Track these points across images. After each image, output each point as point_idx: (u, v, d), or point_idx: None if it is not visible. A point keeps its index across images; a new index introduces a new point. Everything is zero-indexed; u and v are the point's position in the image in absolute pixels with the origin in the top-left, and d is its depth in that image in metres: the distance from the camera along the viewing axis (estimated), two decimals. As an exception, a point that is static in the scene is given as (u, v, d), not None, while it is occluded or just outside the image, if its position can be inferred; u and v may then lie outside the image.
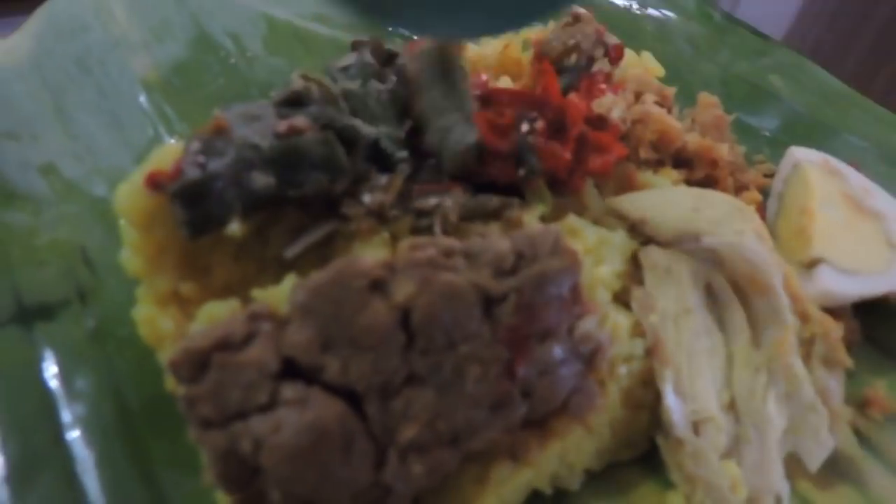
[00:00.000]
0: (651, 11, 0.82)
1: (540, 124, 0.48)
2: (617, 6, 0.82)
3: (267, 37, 0.71)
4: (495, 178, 0.47)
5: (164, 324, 0.40)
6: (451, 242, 0.38)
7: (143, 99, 0.64)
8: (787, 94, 0.70)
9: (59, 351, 0.47)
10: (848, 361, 0.44)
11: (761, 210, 0.56)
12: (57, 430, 0.43)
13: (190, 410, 0.34)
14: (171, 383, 0.39)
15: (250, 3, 0.74)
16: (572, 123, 0.47)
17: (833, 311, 0.50)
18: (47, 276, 0.51)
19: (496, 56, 0.62)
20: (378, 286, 0.35)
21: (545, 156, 0.47)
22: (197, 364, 0.33)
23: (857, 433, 0.48)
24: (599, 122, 0.50)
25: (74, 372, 0.46)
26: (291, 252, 0.42)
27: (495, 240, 0.39)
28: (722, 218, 0.48)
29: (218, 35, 0.70)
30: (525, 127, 0.48)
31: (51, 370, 0.46)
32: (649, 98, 0.55)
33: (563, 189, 0.50)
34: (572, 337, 0.39)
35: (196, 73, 0.67)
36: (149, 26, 0.69)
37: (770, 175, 0.62)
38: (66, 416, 0.44)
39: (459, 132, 0.47)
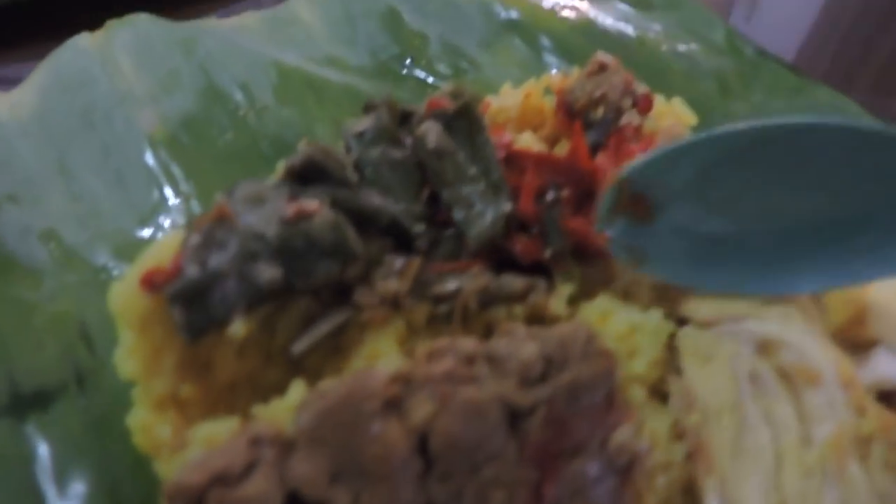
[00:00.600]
0: (679, 47, 0.78)
1: (566, 193, 0.45)
2: (645, 44, 0.78)
3: (277, 86, 0.68)
4: (520, 255, 0.44)
5: (161, 431, 0.37)
6: (472, 347, 0.35)
7: (148, 156, 0.62)
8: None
9: (54, 445, 0.45)
10: (912, 465, 0.40)
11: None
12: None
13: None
14: None
15: (260, 49, 0.72)
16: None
17: (884, 398, 0.46)
18: (45, 360, 0.48)
19: (518, 108, 0.58)
20: (392, 406, 0.32)
21: (573, 230, 0.43)
22: (192, 502, 0.30)
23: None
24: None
25: (69, 469, 0.43)
26: (299, 348, 0.39)
27: (521, 343, 0.35)
28: (767, 298, 0.44)
29: (227, 85, 0.67)
30: (551, 196, 0.44)
31: (44, 467, 0.43)
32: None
33: (590, 258, 0.47)
34: (606, 449, 0.35)
35: (204, 127, 0.64)
36: (156, 78, 0.66)
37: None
38: (60, 517, 0.42)
39: (487, 203, 0.44)
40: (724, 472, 0.39)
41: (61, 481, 0.42)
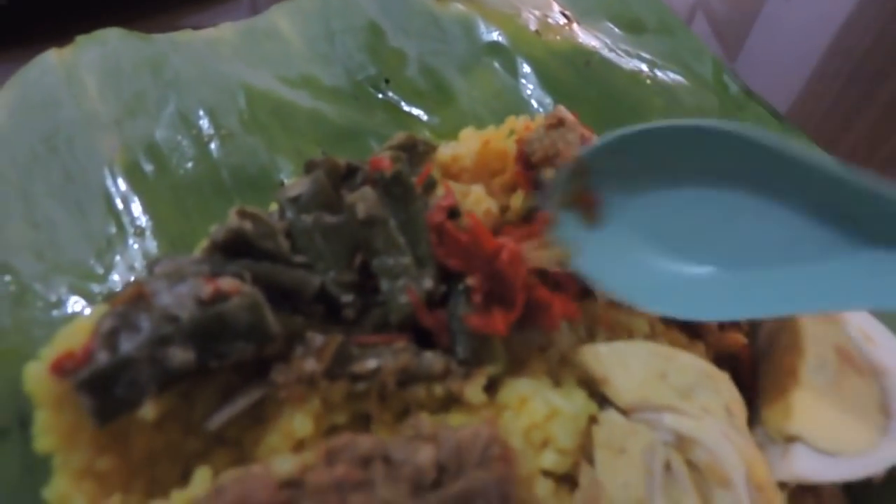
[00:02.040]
0: (663, 79, 0.76)
1: (474, 282, 0.44)
2: (627, 75, 0.76)
3: (244, 112, 0.68)
4: (434, 332, 0.44)
5: (78, 502, 0.38)
6: (369, 448, 0.36)
7: (109, 184, 0.62)
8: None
9: (-4, 490, 0.46)
10: (814, 573, 0.40)
11: (746, 351, 0.52)
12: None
13: None
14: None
15: (231, 70, 0.71)
16: (515, 290, 0.43)
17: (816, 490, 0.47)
18: (-10, 399, 0.50)
19: (472, 157, 0.58)
20: (279, 514, 0.33)
21: (479, 328, 0.43)
22: None
23: None
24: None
25: (5, 513, 0.45)
26: (214, 424, 0.40)
27: (418, 447, 0.36)
28: (690, 388, 0.44)
29: (193, 110, 0.67)
30: (458, 300, 0.44)
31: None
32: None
33: (526, 325, 0.46)
34: (498, 553, 0.36)
35: (167, 155, 0.64)
36: (121, 100, 0.66)
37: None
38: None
39: (410, 278, 0.44)
40: (625, 570, 0.39)
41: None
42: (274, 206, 0.49)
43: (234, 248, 0.43)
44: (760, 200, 0.45)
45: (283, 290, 0.43)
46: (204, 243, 0.44)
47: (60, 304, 0.56)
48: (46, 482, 0.46)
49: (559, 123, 0.57)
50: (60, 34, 0.72)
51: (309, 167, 0.49)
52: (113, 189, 0.62)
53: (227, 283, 0.40)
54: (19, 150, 0.63)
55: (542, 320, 0.44)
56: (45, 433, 0.38)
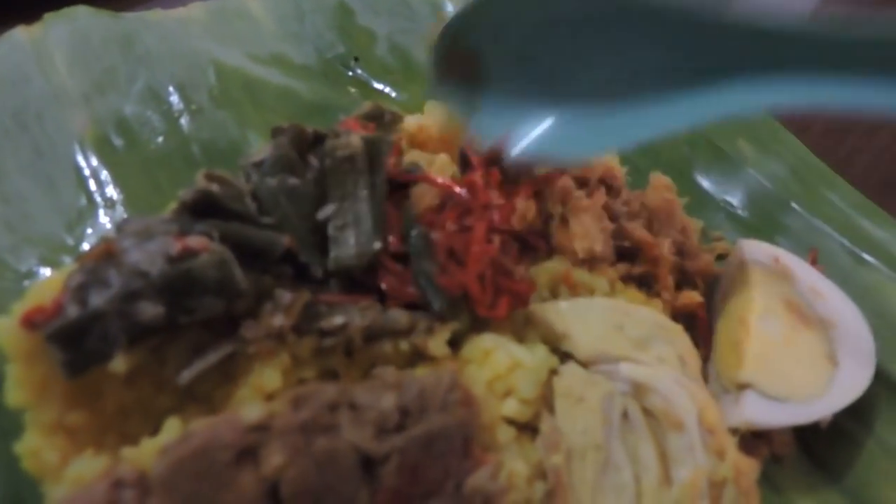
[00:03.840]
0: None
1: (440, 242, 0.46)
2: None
3: (214, 88, 0.69)
4: (389, 293, 0.45)
5: (49, 456, 0.39)
6: (335, 395, 0.37)
7: (79, 158, 0.62)
8: (754, 162, 0.67)
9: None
10: (760, 507, 0.42)
11: (702, 309, 0.54)
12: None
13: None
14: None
15: (202, 46, 0.72)
16: (474, 256, 0.45)
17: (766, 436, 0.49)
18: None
19: (438, 128, 0.59)
20: (247, 454, 0.34)
21: (447, 287, 0.45)
22: (51, 540, 0.32)
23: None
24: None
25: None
26: (185, 378, 0.41)
27: (381, 393, 0.37)
28: (645, 339, 0.46)
29: (164, 85, 0.68)
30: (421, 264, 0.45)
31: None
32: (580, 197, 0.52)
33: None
34: (461, 492, 0.38)
35: (137, 130, 0.65)
36: (91, 76, 0.67)
37: (724, 256, 0.60)
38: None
39: (360, 234, 0.45)
40: (583, 509, 0.41)
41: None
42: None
43: (202, 209, 0.44)
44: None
45: (251, 250, 0.44)
46: (172, 206, 0.45)
47: (32, 274, 0.56)
48: (14, 445, 0.47)
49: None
50: (27, 14, 0.72)
51: (275, 133, 0.50)
52: (83, 164, 0.62)
53: (195, 240, 0.41)
54: (-11, 126, 0.64)
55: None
56: (17, 387, 0.39)
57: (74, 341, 0.38)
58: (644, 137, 0.50)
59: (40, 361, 0.39)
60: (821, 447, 0.51)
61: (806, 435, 0.51)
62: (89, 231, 0.59)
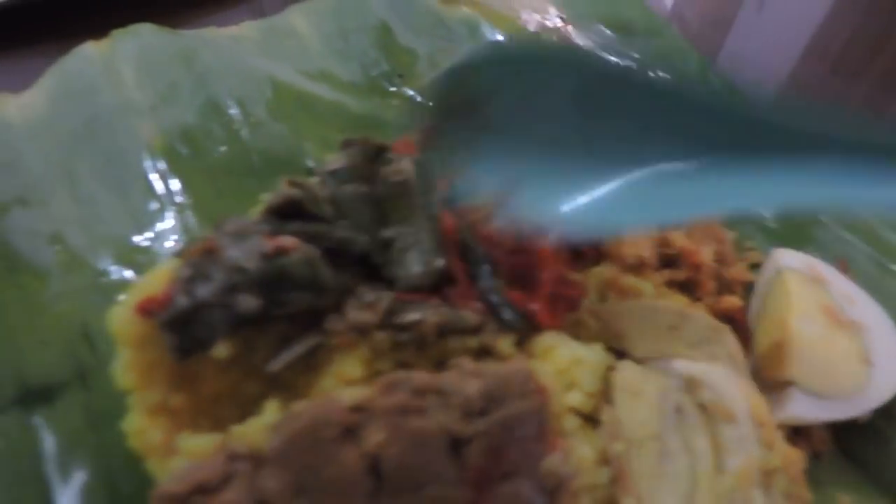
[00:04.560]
0: (651, 73, 0.82)
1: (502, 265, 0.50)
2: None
3: (271, 101, 0.72)
4: (458, 302, 0.48)
5: (153, 435, 0.43)
6: (423, 381, 0.40)
7: (148, 165, 0.66)
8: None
9: (58, 436, 0.50)
10: (808, 496, 0.45)
11: (741, 313, 0.57)
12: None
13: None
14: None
15: (257, 63, 0.76)
16: (545, 283, 0.48)
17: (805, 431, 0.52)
18: (50, 357, 0.53)
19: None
20: (350, 432, 0.37)
21: (517, 302, 0.48)
22: (175, 507, 0.35)
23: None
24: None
25: (71, 458, 0.49)
26: (273, 367, 0.44)
27: (466, 380, 0.40)
28: (698, 340, 0.49)
29: (224, 99, 0.71)
30: (486, 281, 0.49)
31: (49, 456, 0.49)
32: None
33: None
34: (537, 473, 0.41)
35: (201, 140, 0.68)
36: (157, 89, 0.70)
37: (757, 265, 0.64)
38: (61, 502, 0.47)
39: (420, 253, 0.49)
40: (643, 494, 0.44)
41: (64, 471, 0.48)
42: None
43: (286, 212, 0.48)
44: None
45: (330, 250, 0.47)
46: (259, 209, 0.48)
47: (107, 273, 0.59)
48: (107, 432, 0.50)
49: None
50: (96, 31, 0.75)
51: (345, 145, 0.54)
52: (151, 170, 0.66)
53: (286, 240, 0.45)
54: (62, 134, 0.67)
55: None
56: (126, 371, 0.42)
57: (184, 329, 0.41)
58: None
59: (148, 347, 0.42)
60: (856, 445, 0.54)
61: (840, 433, 0.54)
62: (160, 232, 0.62)
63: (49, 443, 0.49)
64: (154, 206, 0.64)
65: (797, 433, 0.53)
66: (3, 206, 0.62)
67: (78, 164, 0.66)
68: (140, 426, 0.43)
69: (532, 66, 0.47)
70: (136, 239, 0.62)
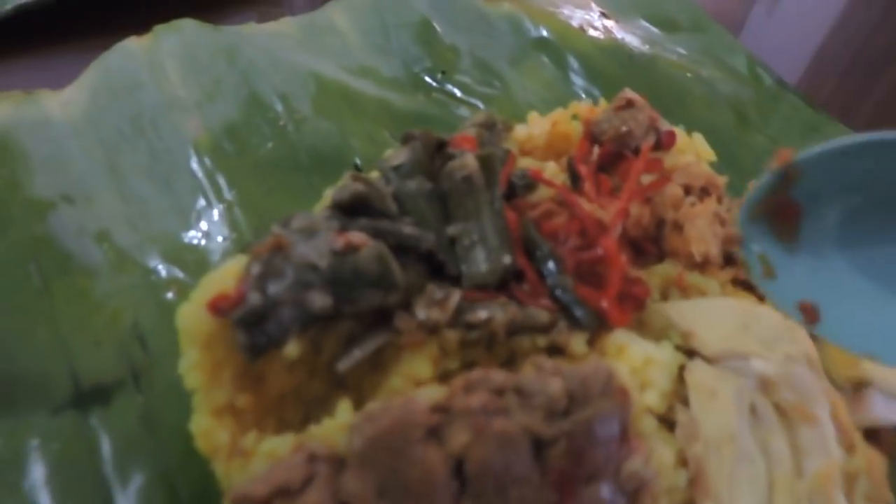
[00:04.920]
0: (701, 72, 0.81)
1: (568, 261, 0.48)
2: (668, 68, 0.81)
3: (315, 97, 0.71)
4: (525, 301, 0.47)
5: (220, 436, 0.41)
6: (502, 380, 0.39)
7: (194, 162, 0.65)
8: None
9: (114, 437, 0.49)
10: (890, 499, 0.44)
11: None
12: (113, 520, 0.45)
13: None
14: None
15: (299, 59, 0.75)
16: (614, 281, 0.47)
17: (874, 428, 0.50)
18: (103, 357, 0.52)
19: (545, 137, 0.62)
20: (433, 433, 0.36)
21: (586, 299, 0.47)
22: (258, 510, 0.34)
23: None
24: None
25: (128, 460, 0.48)
26: (343, 367, 0.43)
27: (548, 380, 0.39)
28: (772, 338, 0.48)
29: (268, 95, 0.70)
30: (554, 278, 0.48)
31: (106, 458, 0.48)
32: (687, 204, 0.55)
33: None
34: (619, 476, 0.39)
35: (246, 135, 0.67)
36: (201, 85, 0.70)
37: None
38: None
39: (487, 252, 0.47)
40: (721, 496, 0.43)
41: (122, 473, 0.47)
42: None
43: (353, 209, 0.47)
44: None
45: (397, 248, 0.46)
46: (323, 204, 0.47)
47: (157, 271, 0.58)
48: (162, 431, 0.49)
49: (628, 105, 0.61)
50: (135, 26, 0.75)
51: (406, 139, 0.53)
52: (197, 167, 0.65)
53: (356, 236, 0.43)
54: (105, 130, 0.66)
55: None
56: (194, 371, 0.41)
57: (256, 327, 0.40)
58: None
59: (216, 346, 0.41)
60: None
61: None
62: (208, 230, 0.61)
63: (105, 444, 0.48)
64: (201, 203, 0.63)
65: (867, 436, 0.51)
66: (49, 203, 0.61)
67: (123, 161, 0.65)
68: (207, 427, 0.42)
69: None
70: (185, 236, 0.61)
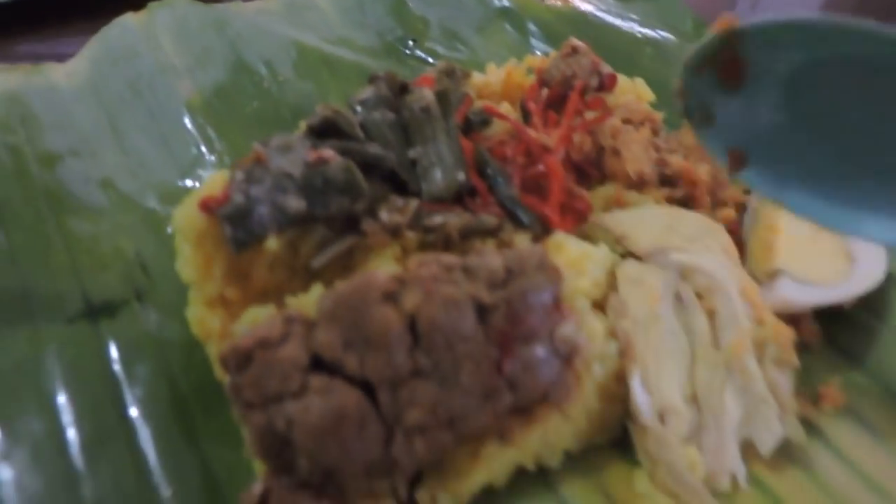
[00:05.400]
0: (651, 33, 0.88)
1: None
2: (620, 30, 0.88)
3: (297, 62, 0.79)
4: (481, 211, 0.54)
5: (212, 322, 0.48)
6: (451, 259, 0.46)
7: (187, 120, 0.72)
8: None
9: (121, 343, 0.55)
10: (796, 362, 0.50)
11: (735, 225, 0.62)
12: (121, 409, 0.52)
13: (235, 395, 0.42)
14: (219, 373, 0.47)
15: (282, 31, 0.82)
16: (555, 191, 0.54)
17: (795, 317, 0.57)
18: (110, 279, 0.59)
19: (500, 84, 0.69)
20: (390, 297, 0.43)
21: (531, 206, 0.54)
22: (242, 358, 0.41)
23: (811, 424, 0.54)
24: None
25: (134, 361, 0.54)
26: (318, 262, 0.50)
27: (489, 257, 0.46)
28: (693, 235, 0.55)
29: (253, 61, 0.78)
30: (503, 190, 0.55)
31: (115, 359, 0.54)
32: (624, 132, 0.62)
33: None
34: (553, 339, 0.46)
35: (234, 96, 0.75)
36: (192, 53, 0.77)
37: (749, 191, 0.69)
38: (128, 397, 0.53)
39: (444, 168, 0.54)
40: (648, 366, 0.50)
41: (129, 370, 0.53)
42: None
43: (325, 132, 0.54)
44: None
45: (363, 165, 0.53)
46: (300, 129, 0.54)
47: (156, 212, 0.65)
48: (164, 338, 0.56)
49: (573, 51, 0.68)
50: (130, 4, 0.82)
51: (372, 79, 0.60)
52: (191, 124, 0.72)
53: (326, 152, 0.51)
54: (106, 95, 0.74)
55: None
56: (188, 265, 0.48)
57: (241, 221, 0.47)
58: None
59: (207, 242, 0.48)
60: (843, 336, 0.59)
61: (829, 326, 0.59)
62: (202, 176, 0.68)
63: (113, 349, 0.55)
64: (194, 152, 0.70)
65: (788, 324, 0.58)
66: (56, 156, 0.68)
67: (123, 121, 0.72)
68: (200, 315, 0.49)
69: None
70: (181, 182, 0.68)
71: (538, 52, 0.86)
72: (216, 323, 0.48)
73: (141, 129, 0.71)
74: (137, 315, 0.57)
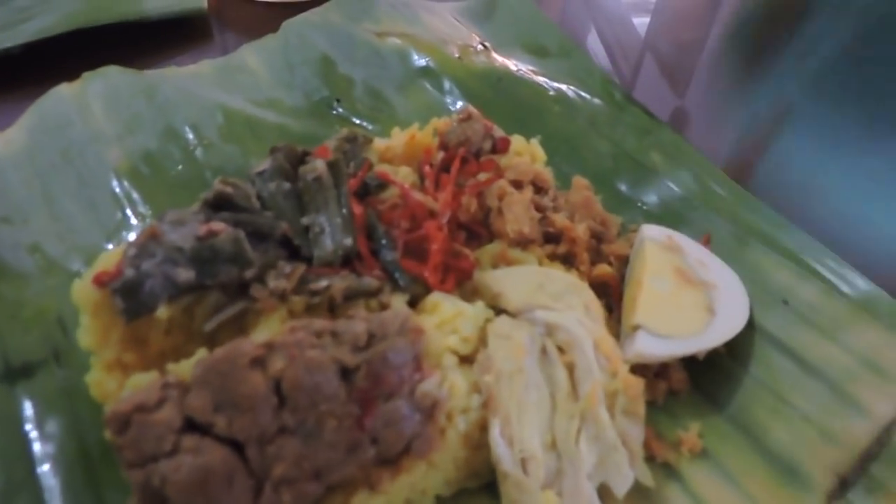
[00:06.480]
0: (563, 88, 0.94)
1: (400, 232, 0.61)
2: (532, 85, 0.94)
3: (222, 126, 0.84)
4: (365, 273, 0.59)
5: (109, 385, 0.53)
6: (322, 324, 0.51)
7: (115, 184, 0.77)
8: (664, 170, 0.82)
9: (36, 401, 0.60)
10: (642, 413, 0.55)
11: (614, 279, 0.68)
12: (31, 465, 0.56)
13: (119, 454, 0.47)
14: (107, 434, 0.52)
15: (211, 95, 0.88)
16: (434, 253, 0.59)
17: (664, 366, 0.63)
18: (30, 341, 0.64)
19: (402, 147, 0.74)
20: (257, 362, 0.48)
21: (409, 270, 0.60)
22: (122, 422, 0.46)
23: (670, 467, 0.59)
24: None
25: (47, 419, 0.59)
26: (209, 326, 0.55)
27: (355, 322, 0.51)
28: (559, 293, 0.60)
29: (180, 126, 0.83)
30: (386, 254, 0.60)
31: (28, 417, 0.59)
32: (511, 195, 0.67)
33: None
34: (414, 396, 0.51)
35: (161, 161, 0.80)
36: (122, 120, 0.82)
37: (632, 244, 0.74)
38: (38, 453, 0.57)
39: (334, 235, 0.59)
40: (510, 416, 0.54)
41: (42, 428, 0.58)
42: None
43: (219, 205, 0.59)
44: None
45: (257, 234, 0.58)
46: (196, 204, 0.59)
47: (80, 274, 0.70)
48: (76, 397, 0.60)
49: (468, 117, 0.74)
50: (66, 74, 0.88)
51: (273, 151, 0.65)
52: (118, 189, 0.77)
53: (216, 225, 0.56)
54: (40, 162, 0.79)
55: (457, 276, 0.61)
56: (86, 333, 0.53)
57: (131, 294, 0.52)
58: None
59: (103, 313, 0.53)
60: (708, 383, 0.64)
61: (698, 374, 0.64)
62: (125, 239, 0.73)
63: (28, 407, 0.59)
64: (120, 216, 0.75)
65: (657, 375, 0.63)
66: (-10, 223, 0.73)
67: (55, 187, 0.77)
68: (99, 379, 0.53)
69: None
70: (106, 245, 0.73)
71: (454, 110, 0.92)
72: (113, 385, 0.53)
73: (71, 194, 0.76)
74: (53, 375, 0.62)
